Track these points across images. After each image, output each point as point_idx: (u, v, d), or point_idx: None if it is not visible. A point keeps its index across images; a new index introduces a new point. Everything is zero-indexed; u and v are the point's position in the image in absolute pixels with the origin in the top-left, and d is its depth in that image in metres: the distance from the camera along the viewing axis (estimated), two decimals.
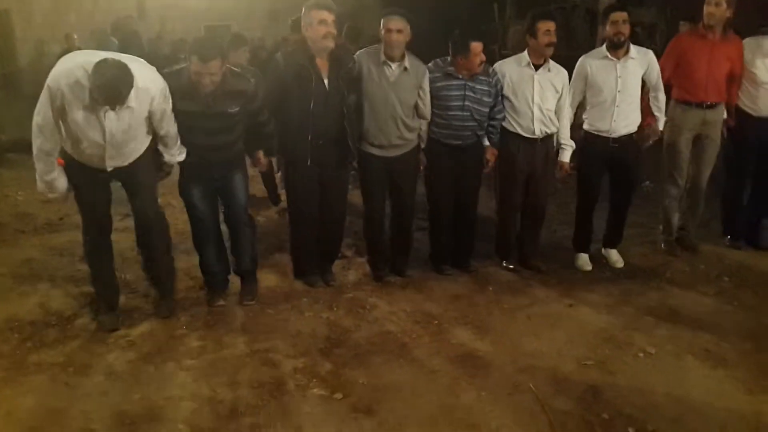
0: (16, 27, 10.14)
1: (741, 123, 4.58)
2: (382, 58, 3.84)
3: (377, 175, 4.04)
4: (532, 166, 4.20)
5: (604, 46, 4.19)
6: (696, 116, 4.45)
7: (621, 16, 4.08)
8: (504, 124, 4.14)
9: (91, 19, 10.69)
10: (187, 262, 4.17)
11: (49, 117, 3.11)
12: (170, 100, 3.35)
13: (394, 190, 4.13)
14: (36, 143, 3.19)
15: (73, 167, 3.33)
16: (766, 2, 4.57)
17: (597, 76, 4.18)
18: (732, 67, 4.43)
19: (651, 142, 4.48)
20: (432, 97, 3.98)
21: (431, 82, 3.96)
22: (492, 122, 4.10)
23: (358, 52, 3.94)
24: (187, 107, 3.42)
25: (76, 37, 9.54)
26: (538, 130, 4.11)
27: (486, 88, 4.00)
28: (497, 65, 4.16)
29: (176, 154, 3.55)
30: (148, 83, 3.21)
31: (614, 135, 4.23)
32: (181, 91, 3.40)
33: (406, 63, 3.86)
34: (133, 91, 3.09)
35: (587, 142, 4.31)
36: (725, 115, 4.55)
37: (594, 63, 4.20)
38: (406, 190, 4.13)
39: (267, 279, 4.20)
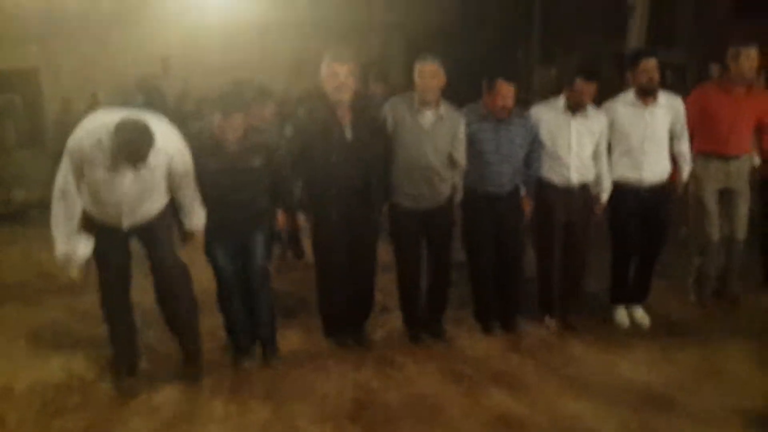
0: (44, 84, 10.41)
1: None
2: (416, 105, 3.75)
3: (410, 228, 3.91)
4: (570, 215, 4.05)
5: (633, 92, 4.08)
6: (719, 169, 4.33)
7: (652, 63, 3.96)
8: (540, 172, 4.02)
9: (116, 76, 10.94)
10: (213, 322, 4.10)
11: (71, 180, 3.12)
12: (189, 162, 3.32)
13: (429, 245, 3.99)
14: (57, 210, 3.18)
15: (91, 225, 3.30)
16: None
17: (625, 122, 4.06)
18: (759, 118, 4.31)
19: (680, 191, 4.35)
20: (467, 143, 3.86)
21: (466, 126, 3.85)
22: (529, 171, 3.99)
23: (391, 99, 3.86)
24: (211, 165, 3.41)
25: (101, 95, 9.76)
26: (575, 178, 3.98)
27: (521, 130, 3.89)
28: (533, 111, 4.06)
29: (195, 221, 3.50)
30: (168, 143, 3.21)
31: (645, 184, 4.09)
32: (205, 150, 3.39)
33: (442, 110, 3.76)
34: (153, 153, 3.09)
35: (617, 191, 4.17)
36: (756, 164, 4.43)
37: (621, 109, 4.08)
38: (442, 244, 3.98)
39: (292, 338, 4.09)
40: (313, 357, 3.85)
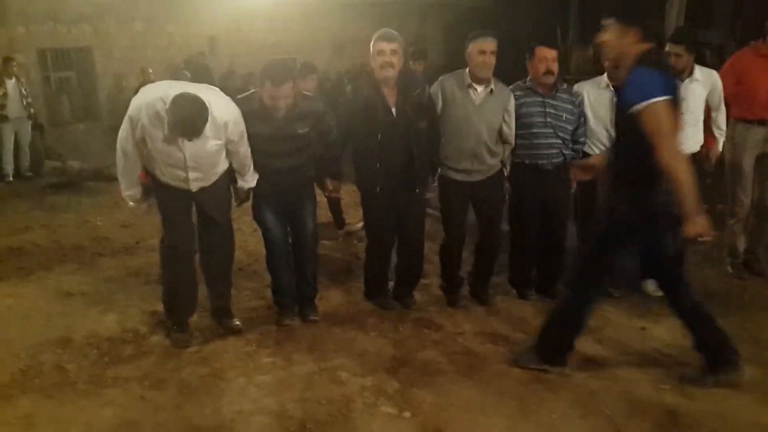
0: (97, 62, 10.76)
1: None
2: (468, 81, 3.84)
3: (458, 200, 4.02)
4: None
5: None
6: (758, 134, 4.34)
7: (675, 48, 4.01)
8: (584, 147, 4.09)
9: (165, 54, 11.25)
10: (258, 282, 4.27)
11: (131, 144, 3.30)
12: (243, 129, 3.46)
13: (478, 214, 4.11)
14: (120, 164, 3.42)
15: (160, 186, 3.50)
16: None
17: None
18: None
19: (713, 162, 4.36)
20: (515, 117, 3.94)
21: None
22: (575, 146, 4.05)
23: (442, 77, 3.97)
24: (259, 130, 3.53)
25: (151, 71, 10.04)
26: None
27: (568, 106, 3.95)
28: (576, 86, 4.13)
29: (249, 180, 3.66)
30: (223, 113, 3.34)
31: None
32: (253, 115, 3.51)
33: (492, 86, 3.86)
34: (209, 123, 3.22)
35: None
36: None
37: None
38: (491, 214, 4.08)
39: (333, 300, 4.25)
40: (354, 317, 4.00)
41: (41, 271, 4.83)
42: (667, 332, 3.75)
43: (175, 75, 8.44)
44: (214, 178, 3.52)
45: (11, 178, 8.51)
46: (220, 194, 3.62)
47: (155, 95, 3.23)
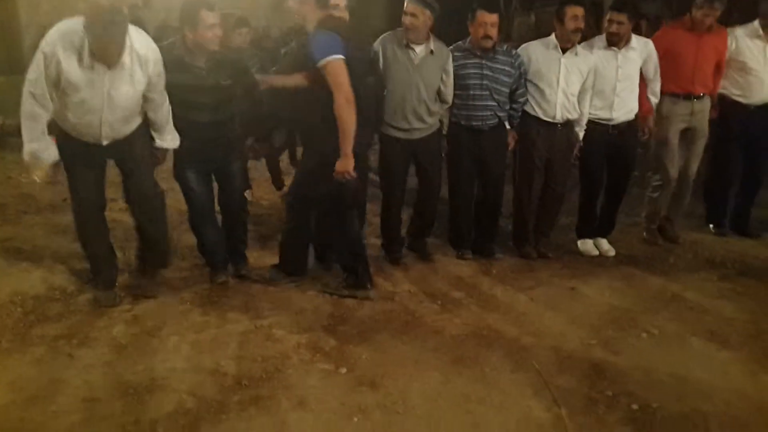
0: (20, 11, 10.12)
1: (729, 112, 4.59)
2: (404, 41, 3.86)
3: (398, 157, 4.05)
4: (552, 152, 4.20)
5: (604, 37, 4.18)
6: (685, 108, 4.46)
7: (617, 17, 4.07)
8: (525, 107, 4.14)
9: (97, 5, 10.67)
10: (193, 240, 4.15)
11: (42, 82, 3.03)
12: (164, 75, 3.31)
13: (419, 171, 4.16)
14: (25, 107, 3.11)
15: (67, 144, 3.27)
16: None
17: (598, 65, 4.17)
18: (719, 59, 4.44)
19: (648, 131, 4.48)
20: (453, 77, 3.98)
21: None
22: (513, 105, 4.10)
23: (381, 36, 3.95)
24: (181, 80, 3.40)
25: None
26: (560, 114, 4.10)
27: (506, 68, 3.99)
28: (522, 47, 4.17)
29: (169, 139, 3.50)
30: (144, 48, 3.19)
31: (614, 122, 4.24)
32: (174, 64, 3.37)
33: (432, 46, 3.87)
34: (128, 53, 3.08)
35: (588, 129, 4.29)
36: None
37: (595, 52, 4.18)
38: (431, 171, 4.13)
39: (269, 260, 4.19)
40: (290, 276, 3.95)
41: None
42: (595, 291, 3.90)
43: None
44: (129, 128, 3.34)
45: None
46: (138, 150, 3.43)
47: (72, 27, 3.02)
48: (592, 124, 4.27)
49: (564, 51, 4.04)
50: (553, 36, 4.09)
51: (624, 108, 4.24)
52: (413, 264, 4.25)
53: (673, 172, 4.55)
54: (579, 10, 3.97)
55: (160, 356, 3.03)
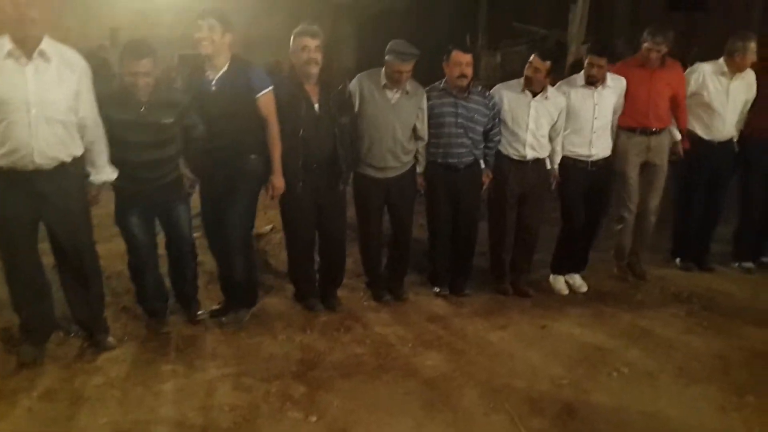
0: None
1: (693, 147, 4.67)
2: (383, 81, 3.92)
3: (374, 196, 4.09)
4: (523, 188, 4.26)
5: (582, 76, 4.28)
6: (641, 143, 4.52)
7: (597, 60, 4.17)
8: (498, 147, 4.22)
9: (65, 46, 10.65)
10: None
11: None
12: (94, 100, 3.22)
13: (391, 210, 4.18)
14: None
15: None
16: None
17: (575, 103, 4.26)
18: (674, 93, 4.53)
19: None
20: (428, 117, 4.05)
21: (427, 100, 4.04)
22: (488, 144, 4.18)
23: (359, 75, 4.01)
24: (119, 116, 3.33)
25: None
26: (530, 154, 4.19)
27: (480, 108, 4.07)
28: (494, 89, 4.26)
29: (103, 171, 3.35)
30: (73, 55, 3.12)
31: (592, 159, 4.33)
32: (113, 99, 3.32)
33: (408, 86, 3.94)
34: (53, 48, 3.01)
35: (567, 166, 4.37)
36: (677, 138, 4.63)
37: (572, 91, 4.28)
38: (403, 210, 4.17)
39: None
40: (260, 321, 3.91)
41: None
42: (565, 329, 3.91)
43: None
44: (62, 151, 3.10)
45: None
46: (72, 197, 3.24)
47: None
48: (571, 161, 4.35)
49: (534, 94, 4.13)
50: (522, 80, 4.17)
51: (602, 144, 4.34)
52: (382, 306, 4.21)
53: (632, 206, 4.60)
54: (542, 64, 4.05)
55: (123, 408, 2.95)
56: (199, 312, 3.88)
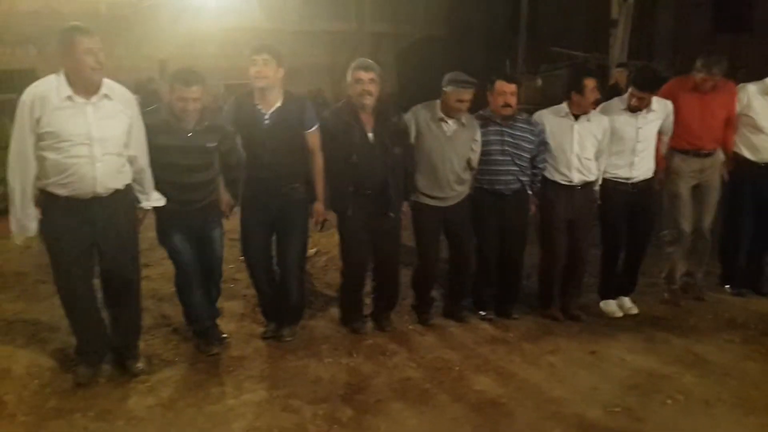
0: None
1: (740, 170, 4.60)
2: (439, 114, 4.00)
3: (432, 225, 4.15)
4: (572, 213, 4.24)
5: (624, 100, 4.25)
6: (694, 164, 4.48)
7: (639, 94, 4.13)
8: (544, 172, 4.22)
9: (114, 77, 11.04)
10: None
11: (27, 132, 3.05)
12: (144, 135, 3.37)
13: (450, 237, 4.23)
14: (11, 177, 3.13)
15: (52, 211, 3.21)
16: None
17: (618, 126, 4.23)
18: (727, 114, 4.47)
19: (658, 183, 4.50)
20: None
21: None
22: (534, 170, 4.20)
23: (414, 107, 4.10)
24: (167, 142, 3.46)
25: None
26: (577, 178, 4.17)
27: (526, 135, 4.10)
28: (536, 116, 4.27)
29: (153, 198, 3.50)
30: (123, 89, 3.28)
31: (633, 181, 4.28)
32: (160, 127, 3.46)
33: (463, 119, 4.01)
34: (110, 88, 3.18)
35: (608, 188, 4.33)
36: (722, 159, 4.56)
37: (615, 116, 4.25)
38: (463, 236, 4.20)
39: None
40: (307, 344, 3.93)
41: None
42: (616, 355, 3.83)
43: None
44: (119, 179, 3.26)
45: None
46: (121, 212, 3.34)
47: (45, 80, 3.14)
48: (612, 183, 4.32)
49: (576, 117, 4.12)
50: (564, 104, 4.17)
51: (644, 167, 4.29)
52: (427, 330, 4.20)
53: (686, 226, 4.53)
54: (594, 81, 4.07)
55: (175, 429, 2.99)
56: (223, 335, 3.92)
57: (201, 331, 3.85)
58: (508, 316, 4.37)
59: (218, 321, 3.99)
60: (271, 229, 3.86)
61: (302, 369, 3.61)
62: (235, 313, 4.33)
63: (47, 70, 3.21)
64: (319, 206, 3.89)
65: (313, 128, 3.77)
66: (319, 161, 3.82)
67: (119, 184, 3.28)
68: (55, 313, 4.30)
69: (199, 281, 3.78)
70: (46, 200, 3.20)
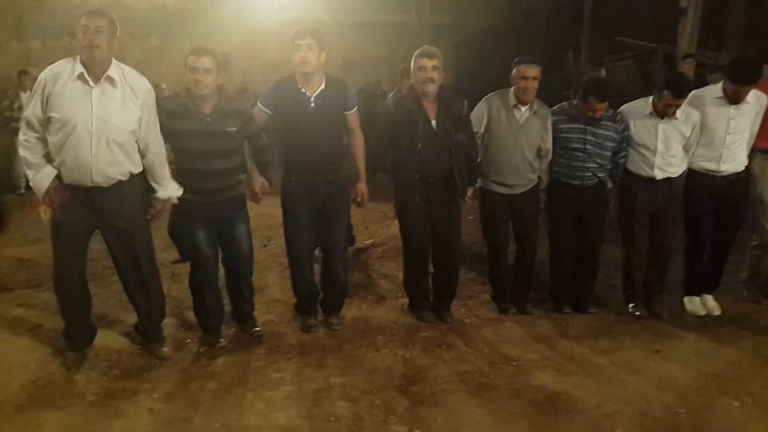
0: None
1: None
2: (513, 101, 4.00)
3: (499, 212, 4.17)
4: (654, 207, 4.15)
5: (721, 87, 4.09)
6: None
7: (739, 88, 3.97)
8: (626, 165, 4.16)
9: (179, 69, 11.34)
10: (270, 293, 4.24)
11: (38, 110, 3.14)
12: (157, 120, 3.37)
13: (516, 226, 4.23)
14: (24, 139, 3.22)
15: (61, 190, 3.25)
16: None
17: (709, 117, 4.09)
18: None
19: None
20: (554, 138, 4.08)
21: (555, 123, 4.08)
22: (615, 164, 4.14)
23: (487, 96, 4.11)
24: (185, 126, 3.45)
25: (164, 86, 10.09)
26: (660, 175, 4.09)
27: (610, 134, 4.05)
28: (622, 109, 4.19)
29: (168, 188, 3.48)
30: (138, 76, 3.30)
31: (722, 174, 4.15)
32: (178, 112, 3.46)
33: (536, 106, 4.01)
34: (120, 73, 3.21)
35: (695, 180, 4.20)
36: None
37: (707, 104, 4.10)
38: (528, 225, 4.22)
39: (343, 313, 4.20)
40: (364, 334, 3.96)
41: (50, 282, 4.77)
42: (681, 355, 3.71)
43: None
44: (119, 170, 3.27)
45: (23, 191, 8.55)
46: (127, 202, 3.37)
47: (58, 63, 3.21)
48: (699, 175, 4.20)
49: (662, 116, 4.02)
50: (650, 102, 4.07)
51: (733, 161, 4.15)
52: (484, 324, 4.17)
53: None
54: (677, 101, 3.95)
55: (235, 413, 3.06)
56: (256, 329, 3.93)
57: (207, 327, 3.83)
58: (583, 310, 4.32)
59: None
60: (314, 215, 3.85)
61: (359, 359, 3.63)
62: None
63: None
64: (362, 186, 3.93)
65: (355, 109, 3.83)
66: (360, 140, 3.89)
67: (120, 175, 3.29)
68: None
69: (215, 278, 3.77)
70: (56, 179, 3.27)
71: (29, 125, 3.20)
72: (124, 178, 3.32)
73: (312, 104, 3.68)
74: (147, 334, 3.69)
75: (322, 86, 3.69)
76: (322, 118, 3.69)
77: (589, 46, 12.16)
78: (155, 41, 11.21)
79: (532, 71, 3.94)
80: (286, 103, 3.72)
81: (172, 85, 10.13)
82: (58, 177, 3.24)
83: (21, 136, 3.24)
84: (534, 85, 3.95)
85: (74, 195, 3.27)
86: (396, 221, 4.35)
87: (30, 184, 3.32)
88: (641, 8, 11.89)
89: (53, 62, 3.25)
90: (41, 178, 3.23)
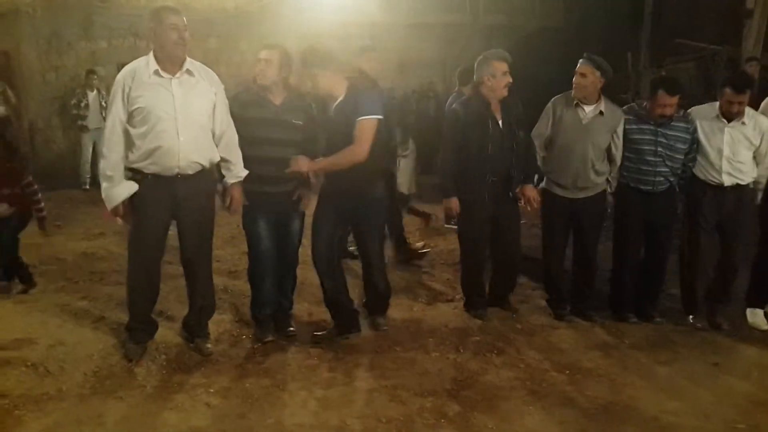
0: None
1: None
2: (574, 100, 3.99)
3: (560, 215, 4.14)
4: (721, 215, 4.05)
5: None
6: None
7: (737, 98, 3.89)
8: (694, 171, 4.08)
9: (238, 71, 11.56)
10: (315, 296, 4.29)
11: (120, 111, 3.29)
12: (228, 110, 3.53)
13: (577, 232, 4.20)
14: (106, 150, 3.37)
15: (140, 187, 3.38)
16: None
17: None
18: None
19: None
20: (624, 141, 4.01)
21: (625, 124, 4.01)
22: (684, 168, 4.07)
23: (554, 98, 4.12)
24: (255, 114, 3.64)
25: (223, 87, 10.32)
26: (728, 181, 4.00)
27: (681, 135, 3.98)
28: (692, 111, 4.12)
29: (239, 170, 3.61)
30: (210, 72, 3.49)
31: None
32: (251, 101, 3.67)
33: (602, 107, 3.95)
34: (194, 66, 3.39)
35: (764, 189, 4.10)
36: None
37: None
38: (589, 232, 4.17)
39: (394, 318, 4.22)
40: (415, 336, 3.98)
41: (114, 276, 4.99)
42: (741, 369, 3.62)
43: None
44: (202, 159, 3.43)
45: (88, 186, 8.90)
46: (204, 191, 3.54)
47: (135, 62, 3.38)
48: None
49: (730, 120, 3.91)
50: (717, 105, 3.98)
51: None
52: (535, 330, 4.13)
53: None
54: (737, 97, 3.87)
55: (288, 410, 3.12)
56: (290, 329, 3.97)
57: (261, 319, 3.93)
58: (649, 318, 4.23)
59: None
60: (341, 225, 3.93)
61: (409, 361, 3.65)
62: None
63: None
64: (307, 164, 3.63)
65: (367, 116, 3.56)
66: (354, 151, 3.57)
67: (203, 160, 3.45)
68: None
69: (273, 269, 3.87)
70: (133, 177, 3.41)
71: (114, 130, 3.35)
72: (206, 165, 3.49)
73: (332, 114, 3.71)
74: (194, 329, 3.80)
75: (342, 97, 3.68)
76: (339, 129, 3.65)
77: (648, 48, 11.85)
78: (215, 43, 11.44)
79: (581, 68, 3.93)
80: (324, 110, 3.79)
81: (230, 87, 10.36)
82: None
83: (103, 149, 3.41)
84: (581, 81, 3.91)
85: (158, 186, 3.41)
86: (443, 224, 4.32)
87: (102, 195, 3.44)
88: (703, 9, 11.54)
89: (118, 62, 3.44)
90: (118, 192, 3.39)
